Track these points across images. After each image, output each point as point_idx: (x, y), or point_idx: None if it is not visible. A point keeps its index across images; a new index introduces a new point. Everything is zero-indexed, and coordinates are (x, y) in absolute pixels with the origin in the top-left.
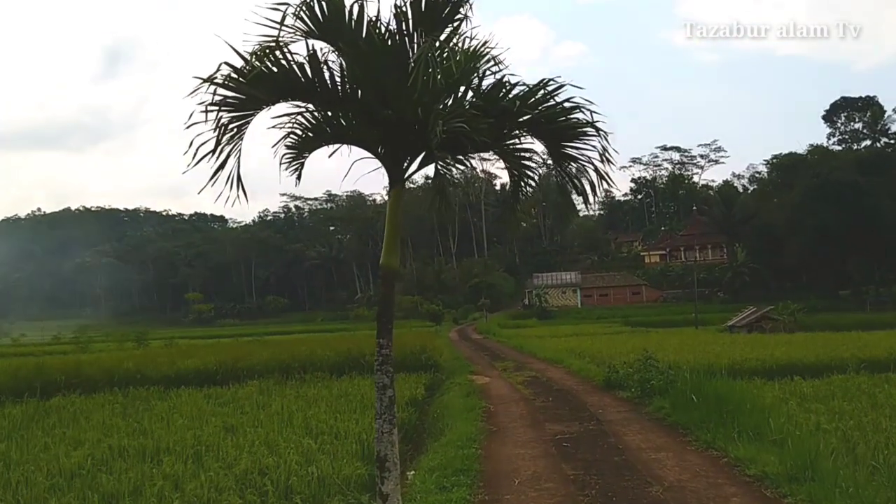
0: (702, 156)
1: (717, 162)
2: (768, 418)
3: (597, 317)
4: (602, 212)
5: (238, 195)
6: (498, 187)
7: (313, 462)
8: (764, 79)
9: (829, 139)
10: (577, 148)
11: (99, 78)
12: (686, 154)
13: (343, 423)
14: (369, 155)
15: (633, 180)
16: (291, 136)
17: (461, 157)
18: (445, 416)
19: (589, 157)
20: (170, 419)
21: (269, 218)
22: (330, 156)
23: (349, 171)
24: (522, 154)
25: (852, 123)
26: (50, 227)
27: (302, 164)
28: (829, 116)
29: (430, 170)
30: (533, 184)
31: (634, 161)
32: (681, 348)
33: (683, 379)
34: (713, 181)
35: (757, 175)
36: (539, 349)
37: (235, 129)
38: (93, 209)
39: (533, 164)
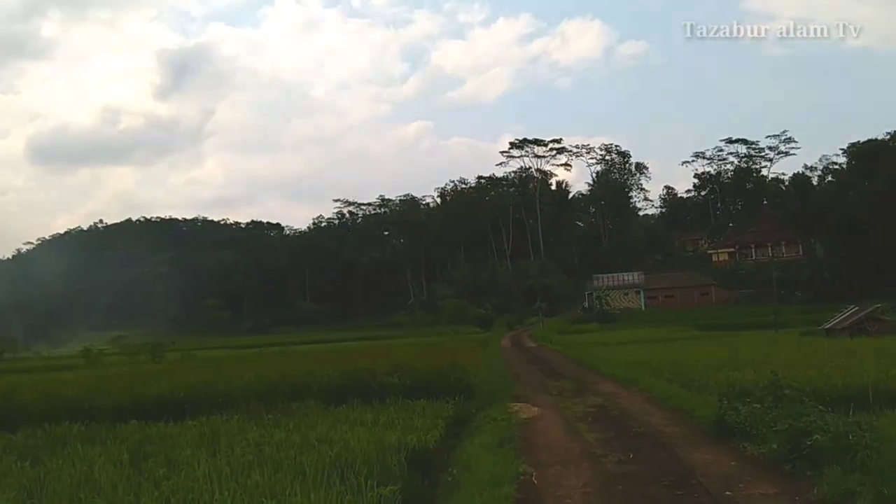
0: (770, 148)
1: (787, 154)
2: None
3: (663, 319)
4: (663, 209)
5: None
6: (553, 186)
7: None
8: (833, 70)
9: None
10: None
11: (166, 91)
12: (753, 147)
13: None
14: None
15: (696, 175)
16: None
17: None
18: (459, 491)
19: None
20: None
21: (323, 224)
22: None
23: None
24: None
25: None
26: (111, 238)
27: None
28: None
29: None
30: None
31: (697, 155)
32: (793, 361)
33: None
34: (783, 174)
35: (833, 166)
36: (604, 362)
37: None
38: (153, 220)
39: None
